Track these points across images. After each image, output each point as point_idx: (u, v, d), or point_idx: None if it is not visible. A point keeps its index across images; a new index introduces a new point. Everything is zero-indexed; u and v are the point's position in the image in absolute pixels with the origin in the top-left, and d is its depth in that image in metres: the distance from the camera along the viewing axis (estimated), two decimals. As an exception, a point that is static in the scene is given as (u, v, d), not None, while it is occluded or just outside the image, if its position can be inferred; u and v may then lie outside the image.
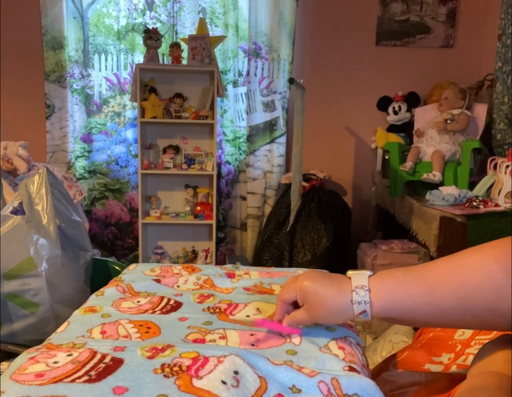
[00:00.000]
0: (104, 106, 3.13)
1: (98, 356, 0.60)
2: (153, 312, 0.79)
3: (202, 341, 0.68)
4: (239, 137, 3.20)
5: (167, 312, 0.79)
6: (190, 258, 3.15)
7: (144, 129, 2.97)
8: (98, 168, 3.16)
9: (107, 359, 0.59)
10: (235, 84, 3.14)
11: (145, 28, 2.86)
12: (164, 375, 0.56)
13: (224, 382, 0.53)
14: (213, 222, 2.94)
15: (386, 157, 3.01)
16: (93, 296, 0.87)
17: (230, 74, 3.12)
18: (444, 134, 2.71)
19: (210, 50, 2.86)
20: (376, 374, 0.83)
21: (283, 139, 3.20)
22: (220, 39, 3.02)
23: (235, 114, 3.18)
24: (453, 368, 0.78)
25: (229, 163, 3.22)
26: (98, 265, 1.39)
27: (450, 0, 3.13)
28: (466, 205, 2.14)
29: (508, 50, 2.62)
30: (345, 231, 2.97)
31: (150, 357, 0.60)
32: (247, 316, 0.79)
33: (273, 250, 2.90)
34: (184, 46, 2.91)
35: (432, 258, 2.25)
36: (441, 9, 3.15)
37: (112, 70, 3.10)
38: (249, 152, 3.17)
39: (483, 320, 0.54)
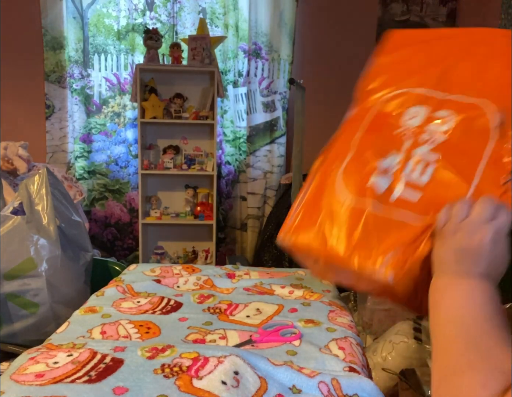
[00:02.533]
0: (103, 107, 3.12)
1: (98, 357, 0.60)
2: (153, 313, 0.79)
3: (202, 341, 0.68)
4: (239, 138, 3.20)
5: (167, 312, 0.79)
6: (190, 258, 3.15)
7: (144, 130, 2.97)
8: (97, 169, 3.15)
9: (107, 360, 0.59)
10: (235, 84, 3.14)
11: (145, 29, 2.86)
12: (164, 376, 0.56)
13: (224, 383, 0.53)
14: (213, 222, 2.94)
15: (386, 157, 3.01)
16: (93, 296, 0.87)
17: (230, 74, 3.12)
18: (444, 135, 2.71)
19: (210, 50, 2.86)
20: None
21: (283, 140, 3.20)
22: (220, 39, 3.02)
23: (235, 114, 3.18)
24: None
25: (229, 164, 3.22)
26: (98, 265, 1.39)
27: (450, 0, 3.13)
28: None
29: (508, 51, 2.62)
30: (345, 231, 2.96)
31: (150, 358, 0.60)
32: (247, 316, 0.79)
33: (273, 251, 2.90)
34: (184, 46, 2.91)
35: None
36: (441, 9, 3.15)
37: (112, 70, 3.10)
38: (249, 152, 3.17)
39: None
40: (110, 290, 0.89)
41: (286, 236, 0.76)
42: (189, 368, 0.57)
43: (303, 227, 0.75)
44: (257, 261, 2.97)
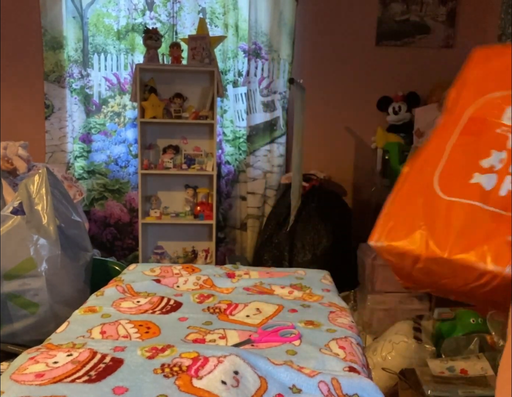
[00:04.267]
0: (103, 106, 3.12)
1: (98, 356, 0.60)
2: (153, 312, 0.79)
3: (202, 341, 0.68)
4: (239, 137, 3.20)
5: (167, 312, 0.79)
6: (190, 258, 3.15)
7: (144, 129, 2.97)
8: (97, 169, 3.15)
9: (107, 359, 0.59)
10: (235, 84, 3.14)
11: (145, 28, 2.86)
12: (164, 375, 0.56)
13: (224, 382, 0.53)
14: (213, 222, 2.94)
15: (386, 157, 3.00)
16: (93, 296, 0.87)
17: (230, 74, 3.12)
18: (444, 134, 2.70)
19: (210, 50, 2.86)
20: None
21: (283, 139, 3.20)
22: (220, 39, 3.02)
23: (235, 114, 3.18)
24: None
25: (229, 163, 3.22)
26: (98, 265, 1.39)
27: (450, 0, 3.13)
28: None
29: (508, 50, 2.62)
30: (345, 231, 2.96)
31: (150, 357, 0.60)
32: (247, 316, 0.79)
33: (273, 250, 2.90)
34: (184, 46, 2.90)
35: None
36: (441, 9, 3.14)
37: (112, 70, 3.10)
38: (249, 152, 3.16)
39: None
40: (110, 290, 0.89)
41: (379, 239, 0.76)
42: (189, 368, 0.57)
43: (399, 230, 0.75)
44: (257, 261, 2.97)
